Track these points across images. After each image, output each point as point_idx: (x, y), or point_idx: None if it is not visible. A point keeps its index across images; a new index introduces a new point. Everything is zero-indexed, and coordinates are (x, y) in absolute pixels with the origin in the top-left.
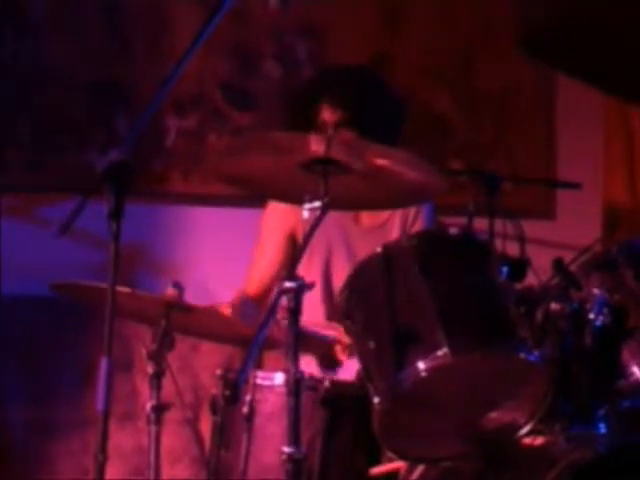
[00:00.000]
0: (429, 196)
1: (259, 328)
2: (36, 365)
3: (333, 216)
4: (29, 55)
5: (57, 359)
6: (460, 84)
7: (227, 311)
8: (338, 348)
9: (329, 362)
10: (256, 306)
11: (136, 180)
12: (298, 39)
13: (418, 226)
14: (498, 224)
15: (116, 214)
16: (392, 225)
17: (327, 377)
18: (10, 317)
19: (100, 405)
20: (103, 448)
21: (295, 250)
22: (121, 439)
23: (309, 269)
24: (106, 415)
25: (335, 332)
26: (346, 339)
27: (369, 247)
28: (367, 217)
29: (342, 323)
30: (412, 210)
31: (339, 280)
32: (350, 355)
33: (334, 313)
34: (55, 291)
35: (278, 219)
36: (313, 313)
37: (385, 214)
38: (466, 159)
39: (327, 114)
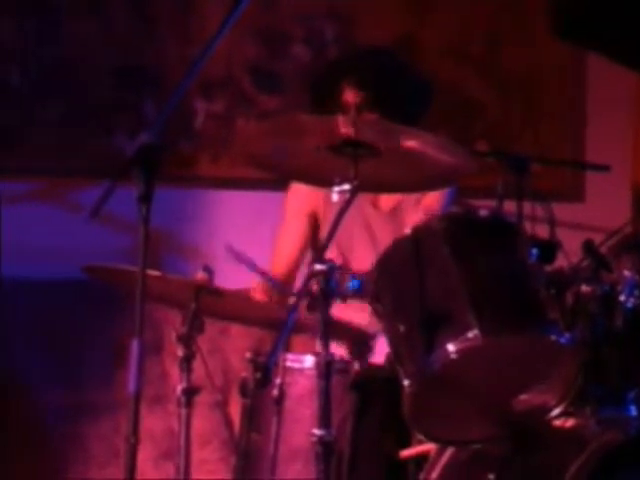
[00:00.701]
0: (458, 178)
1: (289, 312)
2: (67, 348)
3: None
4: (54, 40)
5: (88, 342)
6: (488, 65)
7: (258, 295)
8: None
9: (359, 350)
10: (282, 288)
11: (165, 164)
12: (326, 22)
13: (431, 202)
14: (527, 206)
15: (146, 198)
16: (407, 206)
17: (357, 360)
18: (41, 300)
19: (132, 387)
20: (135, 431)
21: (317, 231)
22: (151, 422)
23: (328, 252)
24: (137, 397)
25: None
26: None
27: (388, 230)
28: (385, 200)
29: (371, 306)
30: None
31: (359, 264)
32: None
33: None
34: (87, 274)
35: (301, 201)
36: None
37: (398, 197)
38: (493, 141)
39: (350, 96)
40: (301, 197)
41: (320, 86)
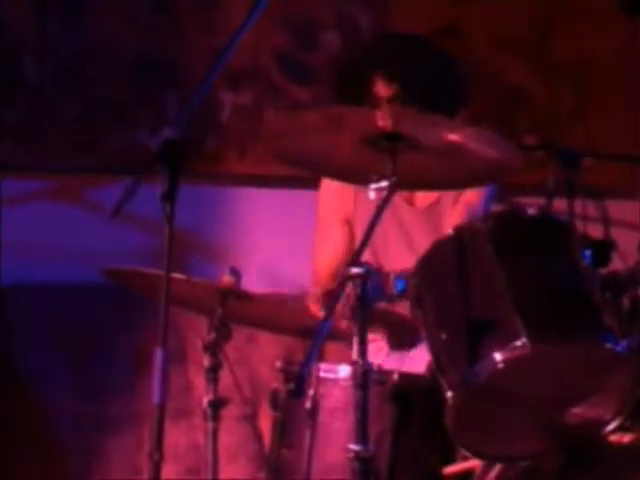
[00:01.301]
0: (504, 174)
1: (324, 317)
2: (85, 356)
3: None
4: (75, 32)
5: (107, 349)
6: (536, 54)
7: (314, 304)
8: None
9: (400, 340)
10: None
11: (189, 160)
12: (359, 8)
13: (471, 199)
14: (579, 204)
15: (170, 196)
16: (445, 203)
17: (396, 370)
18: (59, 305)
19: (156, 398)
20: (159, 446)
21: (353, 232)
22: (175, 436)
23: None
24: (162, 409)
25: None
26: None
27: (425, 229)
28: (421, 197)
29: (411, 312)
30: None
31: (393, 266)
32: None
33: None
34: (107, 277)
35: (334, 201)
36: None
37: (435, 194)
38: (542, 134)
39: (381, 88)
40: (333, 200)
41: (348, 77)
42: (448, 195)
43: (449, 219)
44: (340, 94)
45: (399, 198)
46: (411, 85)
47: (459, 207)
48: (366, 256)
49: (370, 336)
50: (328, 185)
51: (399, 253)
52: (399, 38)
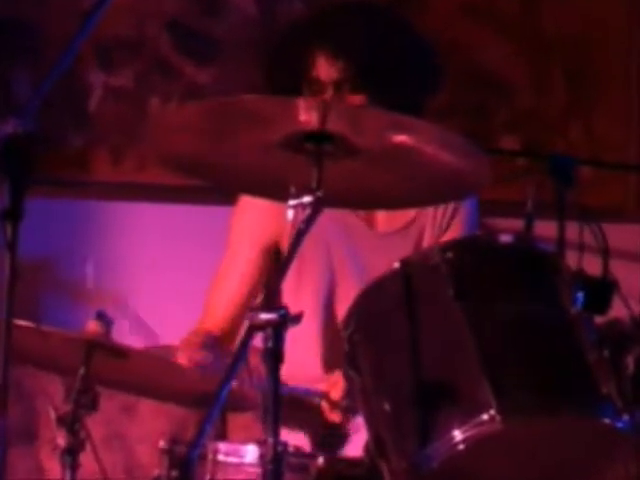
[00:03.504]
0: (471, 189)
1: (222, 381)
2: None
3: (335, 217)
4: None
5: None
6: (520, 28)
7: (181, 356)
8: (324, 405)
9: (328, 438)
10: (220, 348)
11: (43, 163)
12: None
13: (455, 231)
14: (571, 229)
15: (13, 214)
16: (421, 228)
17: (322, 453)
18: None
19: None
20: None
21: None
22: None
23: (299, 294)
24: None
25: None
26: (337, 390)
27: (389, 261)
28: (385, 218)
29: (344, 373)
30: (449, 207)
31: (344, 309)
32: (346, 415)
33: (338, 359)
34: None
35: (253, 223)
36: (307, 360)
37: (410, 213)
38: (525, 134)
39: (323, 69)
40: (253, 218)
41: (281, 55)
42: (425, 219)
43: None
44: (269, 76)
45: (355, 219)
46: (363, 64)
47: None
48: (308, 295)
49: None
50: (249, 201)
51: (350, 293)
52: (349, 4)
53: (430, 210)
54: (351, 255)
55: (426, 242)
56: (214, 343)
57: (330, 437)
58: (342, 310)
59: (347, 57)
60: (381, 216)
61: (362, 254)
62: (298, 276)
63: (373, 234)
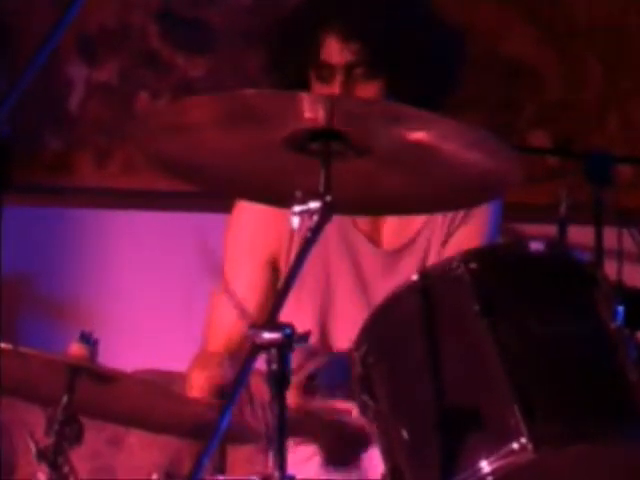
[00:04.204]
0: (499, 191)
1: (222, 408)
2: None
3: (335, 228)
4: None
5: None
6: (549, 11)
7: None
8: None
9: (339, 450)
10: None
11: (20, 168)
12: None
13: (469, 238)
14: (609, 235)
15: None
16: (429, 239)
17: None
18: None
19: None
20: None
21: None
22: None
23: (298, 312)
24: None
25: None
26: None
27: (394, 278)
28: (390, 229)
29: (357, 399)
30: (459, 213)
31: (344, 331)
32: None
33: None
34: None
35: (252, 232)
36: None
37: (416, 222)
38: (557, 129)
39: (334, 51)
40: (252, 226)
41: (285, 39)
42: (432, 230)
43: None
44: (271, 65)
45: (358, 234)
46: (379, 46)
47: (451, 249)
48: (307, 314)
49: (293, 441)
50: (246, 208)
51: (354, 312)
52: None
53: (438, 218)
54: (353, 272)
55: (432, 254)
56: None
57: (344, 452)
58: (340, 332)
59: (362, 38)
60: (386, 231)
61: (364, 272)
62: (297, 293)
63: (377, 252)
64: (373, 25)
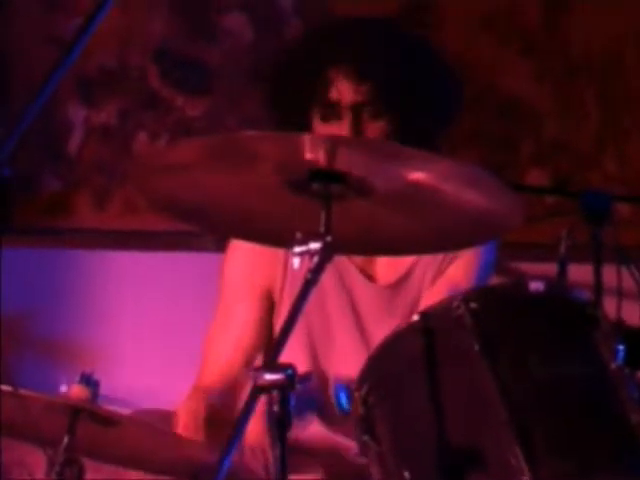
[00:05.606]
0: (500, 231)
1: (223, 451)
2: None
3: (330, 268)
4: None
5: None
6: (545, 47)
7: (182, 424)
8: None
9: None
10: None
11: (20, 209)
12: None
13: (458, 276)
14: (609, 273)
15: None
16: (421, 275)
17: None
18: None
19: None
20: None
21: (273, 317)
22: None
23: (293, 349)
24: None
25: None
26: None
27: (390, 315)
28: (385, 269)
29: (357, 440)
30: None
31: (341, 369)
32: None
33: (330, 422)
34: None
35: (248, 268)
36: None
37: (407, 260)
38: (555, 168)
39: (345, 91)
40: (246, 264)
41: (287, 78)
42: (425, 265)
43: (425, 302)
44: (270, 105)
45: (353, 270)
46: (385, 86)
47: (441, 285)
48: (299, 353)
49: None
50: (239, 245)
51: (349, 349)
52: (364, 20)
53: (427, 255)
54: (348, 309)
55: (425, 291)
56: (217, 402)
57: None
58: (338, 369)
59: (372, 78)
60: (380, 267)
61: (359, 308)
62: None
63: (372, 287)
64: (380, 66)
